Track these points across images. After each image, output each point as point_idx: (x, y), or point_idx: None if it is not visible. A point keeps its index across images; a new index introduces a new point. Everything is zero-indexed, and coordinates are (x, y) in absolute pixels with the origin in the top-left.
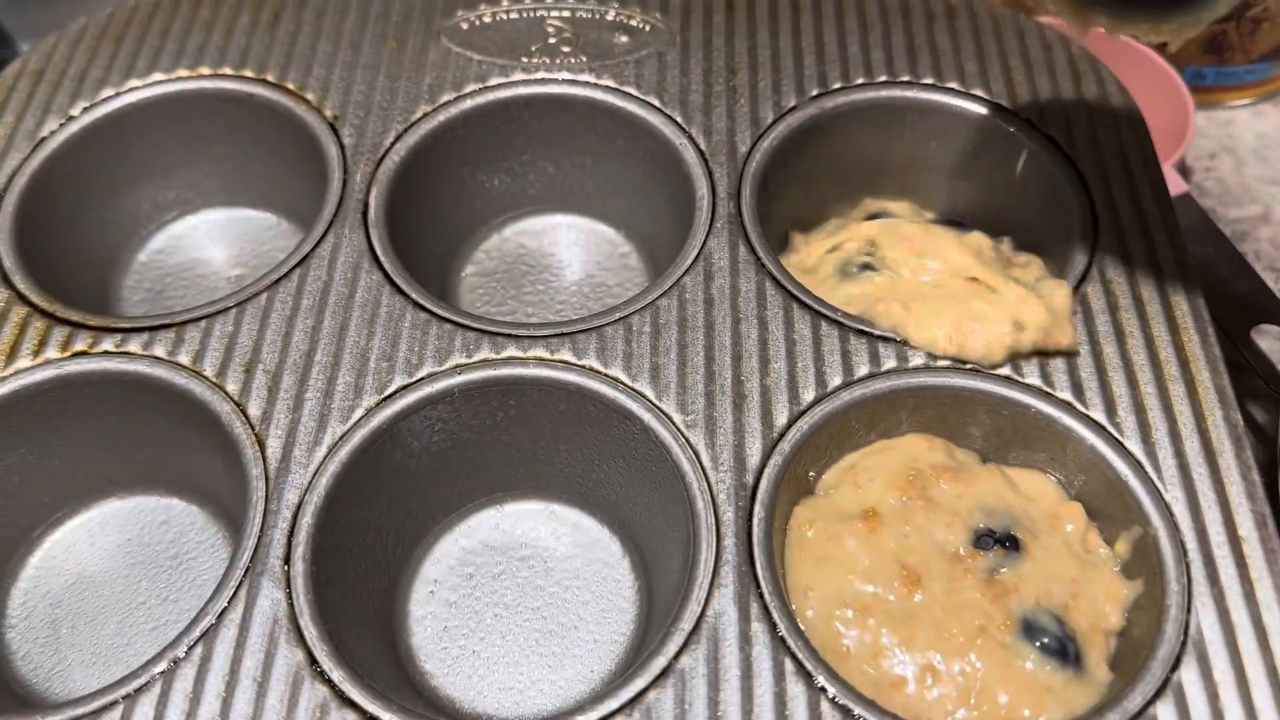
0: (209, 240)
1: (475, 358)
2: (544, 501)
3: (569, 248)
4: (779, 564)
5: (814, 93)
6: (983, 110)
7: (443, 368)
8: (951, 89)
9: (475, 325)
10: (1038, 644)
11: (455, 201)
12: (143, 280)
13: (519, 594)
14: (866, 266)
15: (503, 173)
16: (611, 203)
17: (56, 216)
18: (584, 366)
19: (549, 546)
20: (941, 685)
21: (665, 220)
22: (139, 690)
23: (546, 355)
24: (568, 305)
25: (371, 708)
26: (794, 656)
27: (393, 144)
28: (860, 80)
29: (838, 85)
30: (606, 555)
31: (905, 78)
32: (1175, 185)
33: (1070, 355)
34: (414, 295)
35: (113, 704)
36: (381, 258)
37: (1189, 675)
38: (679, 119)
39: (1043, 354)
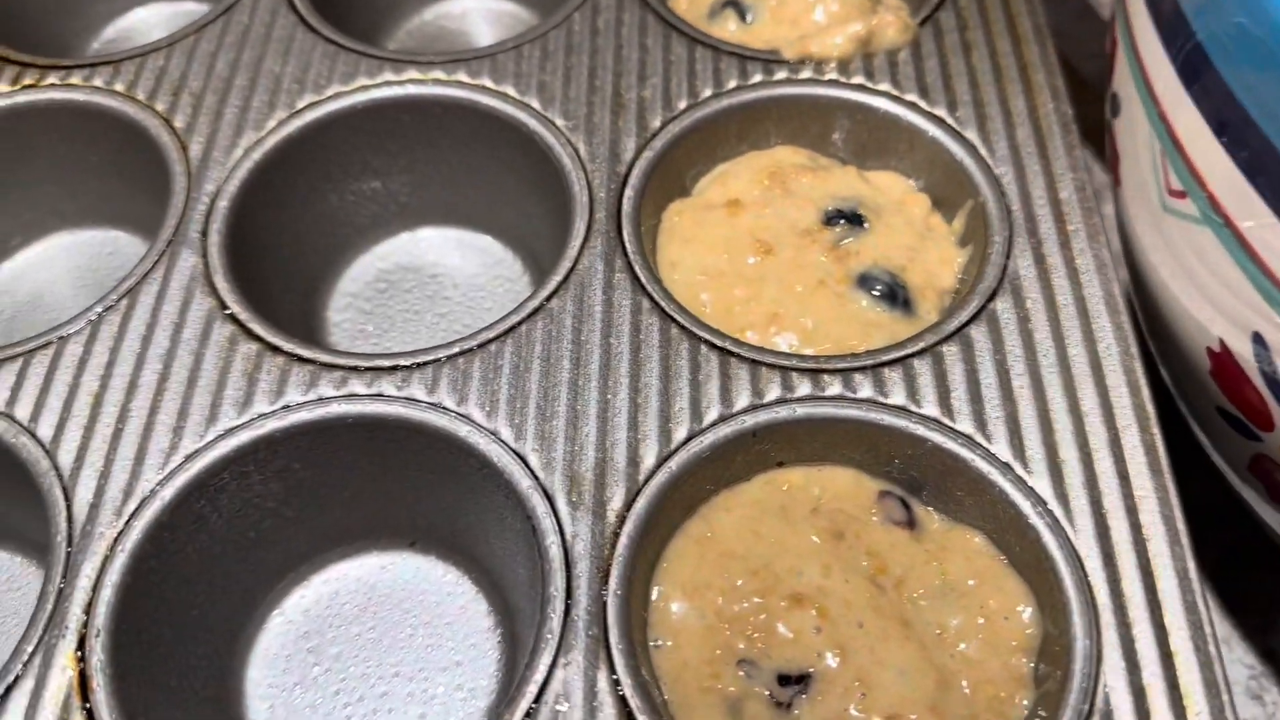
0: (157, 31)
1: (376, 80)
2: (449, 228)
3: (481, 24)
4: (649, 248)
5: None
6: None
7: (348, 88)
8: None
9: (380, 54)
10: (871, 291)
11: None
12: None
13: (427, 304)
14: (731, 4)
15: None
16: None
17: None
18: (479, 85)
19: (456, 266)
20: (783, 329)
21: None
22: (70, 335)
23: (444, 77)
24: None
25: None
26: (650, 297)
27: None
28: None
29: None
30: (507, 271)
31: None
32: None
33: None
34: (324, 31)
35: (47, 344)
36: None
37: (1003, 304)
38: None
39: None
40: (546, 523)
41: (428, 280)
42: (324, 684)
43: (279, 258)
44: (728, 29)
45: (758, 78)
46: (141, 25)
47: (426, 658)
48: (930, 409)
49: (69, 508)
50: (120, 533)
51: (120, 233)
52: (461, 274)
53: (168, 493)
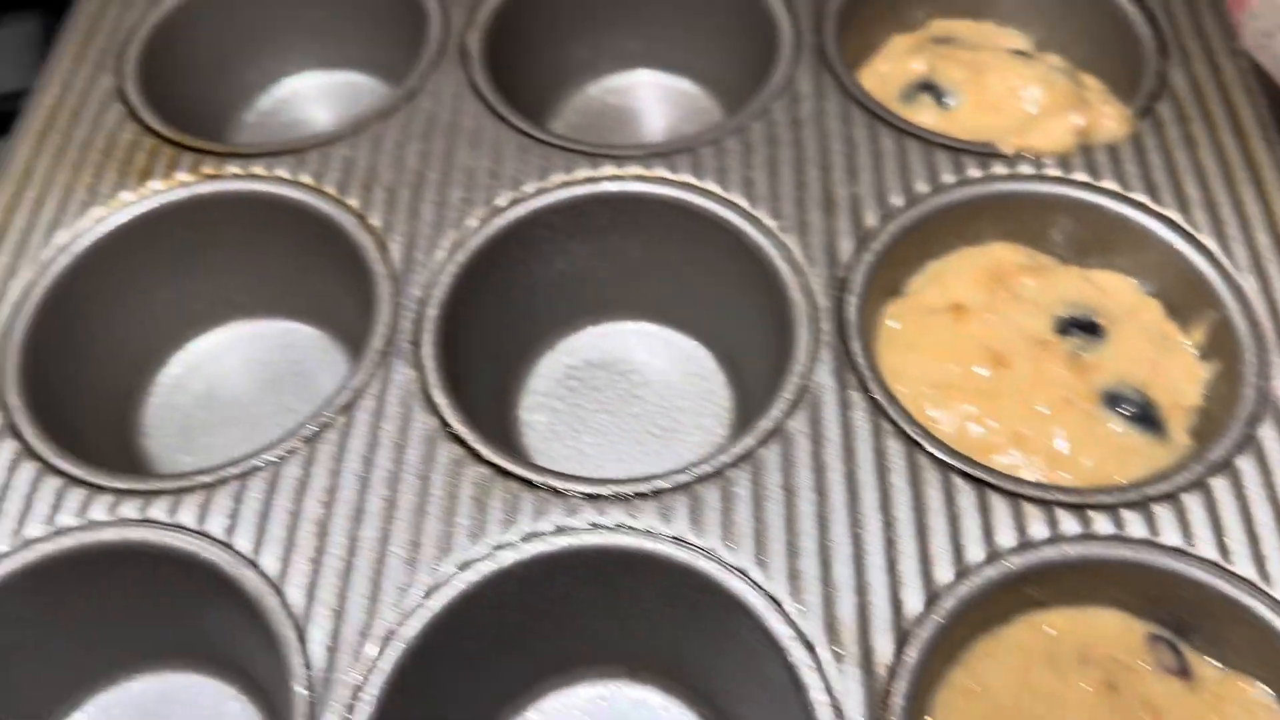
0: (311, 103)
1: (577, 175)
2: (636, 322)
3: (652, 102)
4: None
5: None
6: None
7: (548, 184)
8: None
9: (574, 146)
10: (1121, 411)
11: (544, 55)
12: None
13: (620, 404)
14: (927, 88)
15: (587, 30)
16: (693, 56)
17: (170, 71)
18: (680, 182)
19: (645, 361)
20: (1029, 451)
21: (747, 67)
22: (288, 454)
23: (644, 172)
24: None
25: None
26: (890, 419)
27: None
28: None
29: None
30: (700, 369)
31: None
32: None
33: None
34: (516, 122)
35: (264, 465)
36: (483, 90)
37: (1267, 432)
38: None
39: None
40: (812, 678)
41: (618, 378)
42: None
43: (480, 361)
44: (926, 115)
45: (974, 172)
46: (295, 96)
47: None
48: (1207, 550)
49: (304, 649)
50: (363, 682)
51: (297, 324)
52: (652, 370)
53: (408, 632)
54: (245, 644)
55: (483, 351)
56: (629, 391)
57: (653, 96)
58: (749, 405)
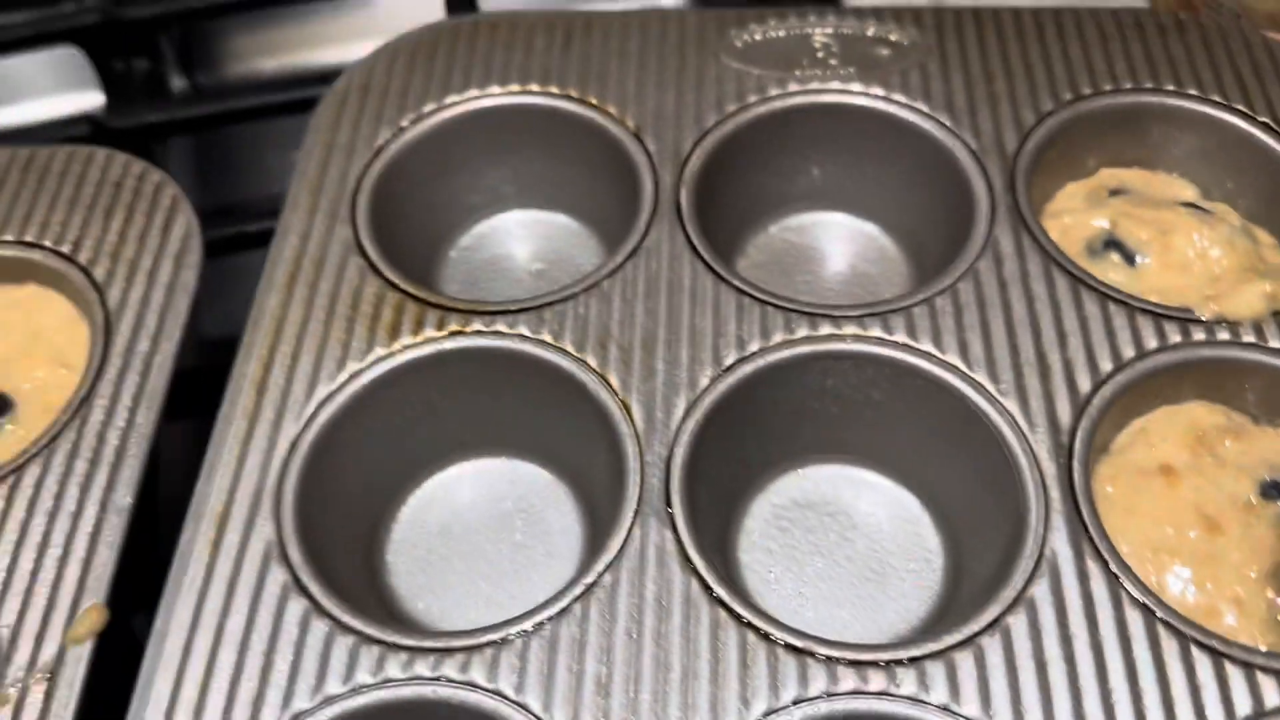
0: (511, 239)
1: (797, 334)
2: (847, 465)
3: (832, 242)
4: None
5: (1067, 97)
6: (1219, 114)
7: (770, 343)
8: (1191, 94)
9: (792, 306)
10: None
11: (736, 199)
12: (456, 273)
13: (833, 547)
14: (1113, 244)
15: (773, 174)
16: (874, 201)
17: (391, 218)
18: (899, 343)
19: (850, 504)
20: (1245, 616)
21: (931, 215)
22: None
23: (860, 332)
24: (836, 295)
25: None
26: (1126, 589)
27: (692, 150)
28: (1108, 87)
29: (1088, 91)
30: (907, 514)
31: (1148, 84)
32: None
33: None
34: (734, 281)
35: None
36: (699, 249)
37: None
38: (947, 122)
39: None
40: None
41: (827, 519)
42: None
43: (710, 513)
44: (1115, 274)
45: (1175, 337)
46: (497, 231)
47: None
48: None
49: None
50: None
51: (523, 463)
52: (857, 512)
53: None
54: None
55: (712, 505)
56: (840, 535)
57: (833, 237)
58: (959, 554)
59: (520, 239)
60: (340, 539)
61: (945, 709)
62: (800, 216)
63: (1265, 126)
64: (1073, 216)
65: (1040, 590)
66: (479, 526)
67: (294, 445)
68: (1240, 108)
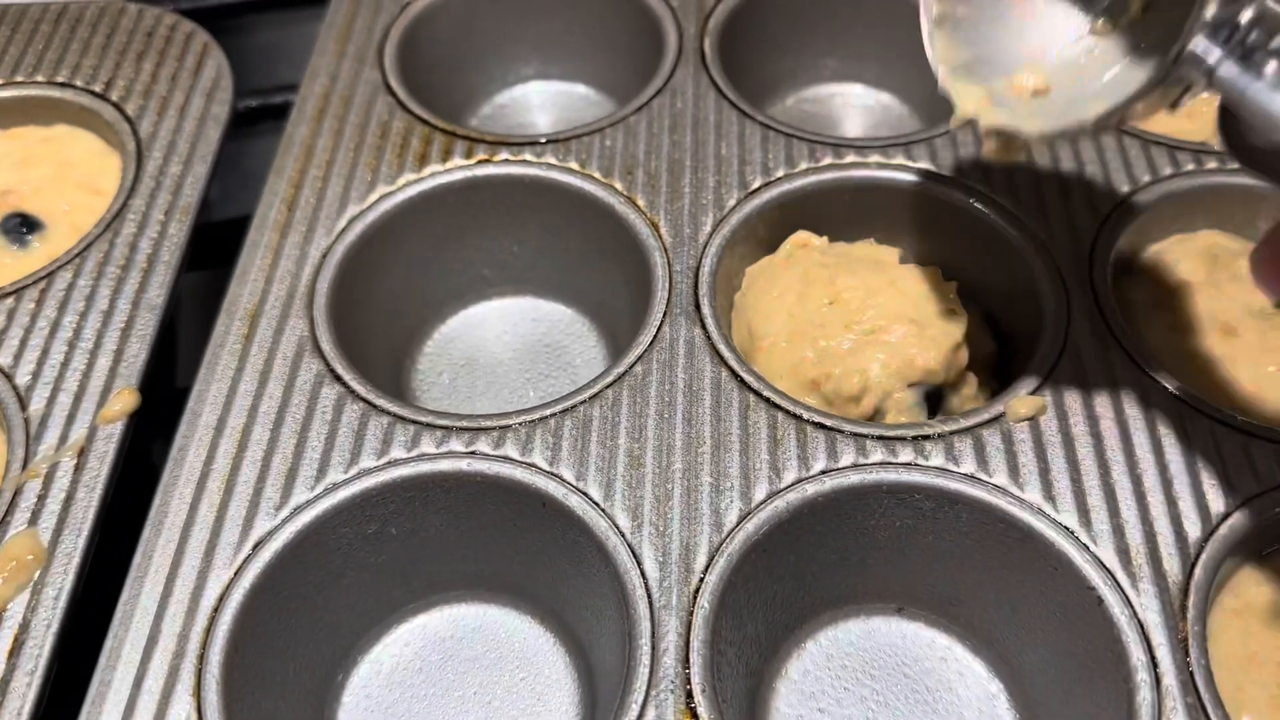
0: (535, 110)
1: (822, 162)
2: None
3: (847, 110)
4: None
5: None
6: None
7: (795, 169)
8: None
9: (817, 138)
10: None
11: (763, 60)
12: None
13: None
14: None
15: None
16: (891, 71)
17: (417, 70)
18: (917, 168)
19: None
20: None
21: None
22: (593, 398)
23: (884, 160)
24: None
25: None
26: (1155, 380)
27: (716, 3)
28: None
29: None
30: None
31: None
32: None
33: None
34: (759, 116)
35: (573, 407)
36: (723, 89)
37: None
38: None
39: None
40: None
41: None
42: None
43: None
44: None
45: (1189, 166)
46: (518, 103)
47: None
48: None
49: (640, 567)
50: (697, 587)
51: (545, 301)
52: None
53: (733, 550)
54: (559, 568)
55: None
56: None
57: (848, 105)
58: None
59: (541, 109)
60: (371, 357)
61: (971, 476)
62: (817, 88)
63: None
64: None
65: (1061, 378)
66: (503, 360)
67: (325, 255)
68: None
